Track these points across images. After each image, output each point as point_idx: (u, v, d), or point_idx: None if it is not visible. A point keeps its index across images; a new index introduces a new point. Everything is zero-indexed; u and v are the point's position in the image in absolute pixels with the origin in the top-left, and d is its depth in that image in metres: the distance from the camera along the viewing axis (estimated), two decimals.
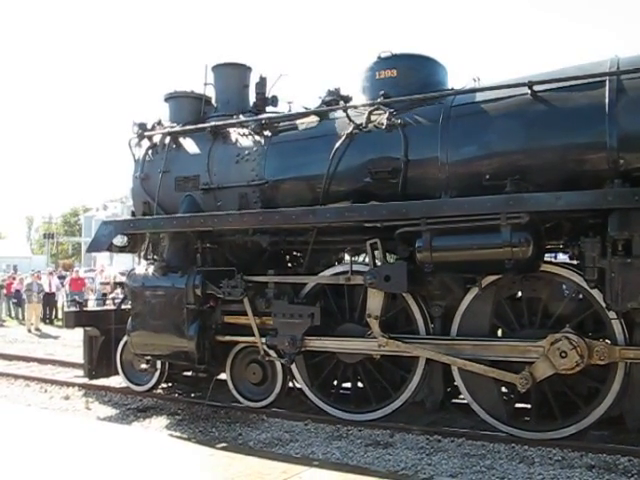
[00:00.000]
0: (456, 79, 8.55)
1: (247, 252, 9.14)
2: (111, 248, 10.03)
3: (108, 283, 19.77)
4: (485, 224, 6.86)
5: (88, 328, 10.54)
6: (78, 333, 11.30)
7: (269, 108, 9.57)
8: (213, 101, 10.02)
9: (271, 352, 8.61)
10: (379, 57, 8.41)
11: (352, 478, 5.91)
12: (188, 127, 9.59)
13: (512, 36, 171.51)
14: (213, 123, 9.26)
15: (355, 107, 8.30)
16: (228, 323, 8.96)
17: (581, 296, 7.30)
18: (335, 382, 8.79)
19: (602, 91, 6.68)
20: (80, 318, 10.50)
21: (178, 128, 9.70)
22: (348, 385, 8.77)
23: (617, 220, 6.37)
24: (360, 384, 8.60)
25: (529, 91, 7.06)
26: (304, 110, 8.92)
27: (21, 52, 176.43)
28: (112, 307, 11.06)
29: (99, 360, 10.48)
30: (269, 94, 9.58)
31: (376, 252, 7.89)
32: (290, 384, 8.90)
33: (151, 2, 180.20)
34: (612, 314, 6.86)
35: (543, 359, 6.98)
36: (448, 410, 8.28)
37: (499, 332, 7.85)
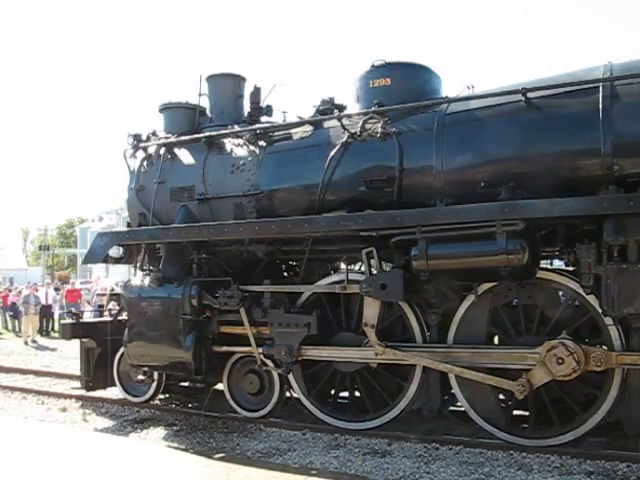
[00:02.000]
0: (450, 87, 8.58)
1: (243, 262, 9.14)
2: (107, 259, 10.02)
3: (105, 294, 19.69)
4: (480, 231, 6.86)
5: (85, 340, 10.51)
6: (75, 345, 11.27)
7: (264, 118, 9.60)
8: (208, 111, 10.05)
9: (268, 362, 8.60)
10: (373, 66, 8.42)
11: None
12: (183, 138, 9.61)
13: (506, 43, 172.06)
14: (208, 133, 9.29)
15: (349, 116, 8.33)
16: (225, 333, 8.94)
17: (577, 302, 7.30)
18: (332, 391, 8.77)
19: (596, 97, 6.71)
20: (77, 329, 10.48)
21: (173, 139, 9.71)
22: (345, 394, 8.75)
23: (612, 226, 6.37)
24: (357, 393, 8.59)
25: (523, 98, 7.08)
26: (298, 119, 8.95)
27: (18, 62, 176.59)
28: (109, 318, 11.04)
29: (96, 372, 10.43)
30: (263, 104, 9.63)
31: (372, 261, 7.88)
32: (287, 394, 8.88)
33: (145, 14, 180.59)
34: (608, 320, 6.86)
35: (540, 366, 6.98)
36: (446, 418, 8.28)
37: (496, 339, 7.86)
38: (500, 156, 7.20)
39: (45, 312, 24.99)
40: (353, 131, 8.05)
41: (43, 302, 24.70)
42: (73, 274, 68.06)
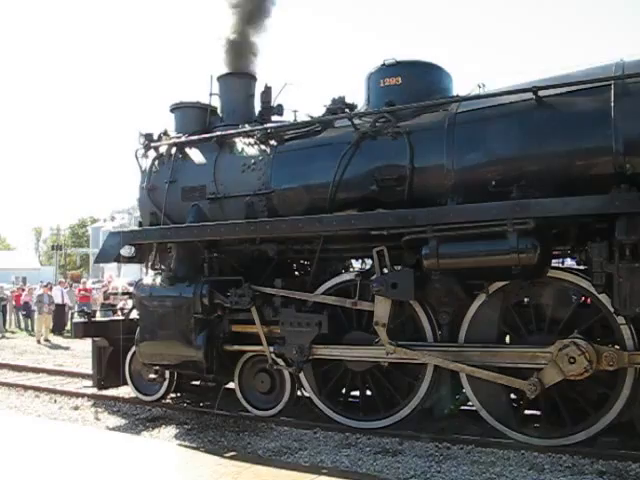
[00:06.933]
0: (461, 85, 8.55)
1: (254, 261, 9.14)
2: (119, 259, 10.05)
3: (116, 294, 19.67)
4: (491, 230, 6.84)
5: (97, 338, 10.56)
6: (87, 344, 11.31)
7: (274, 117, 9.61)
8: (219, 111, 10.07)
9: (279, 361, 8.61)
10: (383, 64, 8.42)
11: None
12: (194, 137, 9.63)
13: (517, 40, 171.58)
14: (219, 133, 9.30)
15: (360, 115, 8.32)
16: (236, 332, 8.96)
17: (589, 301, 7.27)
18: (343, 390, 8.77)
19: (607, 95, 6.67)
20: (88, 329, 10.52)
21: (184, 138, 9.74)
22: (356, 393, 8.75)
23: (624, 225, 6.33)
24: (368, 392, 8.58)
25: (534, 96, 7.06)
26: (309, 119, 8.94)
27: (29, 62, 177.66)
28: (120, 317, 11.07)
29: (108, 370, 10.48)
30: (274, 103, 9.63)
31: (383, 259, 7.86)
32: (298, 393, 8.89)
33: (157, 14, 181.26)
34: (621, 319, 6.83)
35: (552, 365, 6.95)
36: (457, 417, 8.26)
37: (507, 338, 7.83)
38: (511, 155, 7.17)
39: (58, 311, 25.06)
40: (364, 130, 8.05)
41: (57, 301, 24.75)
42: (85, 273, 68.38)
